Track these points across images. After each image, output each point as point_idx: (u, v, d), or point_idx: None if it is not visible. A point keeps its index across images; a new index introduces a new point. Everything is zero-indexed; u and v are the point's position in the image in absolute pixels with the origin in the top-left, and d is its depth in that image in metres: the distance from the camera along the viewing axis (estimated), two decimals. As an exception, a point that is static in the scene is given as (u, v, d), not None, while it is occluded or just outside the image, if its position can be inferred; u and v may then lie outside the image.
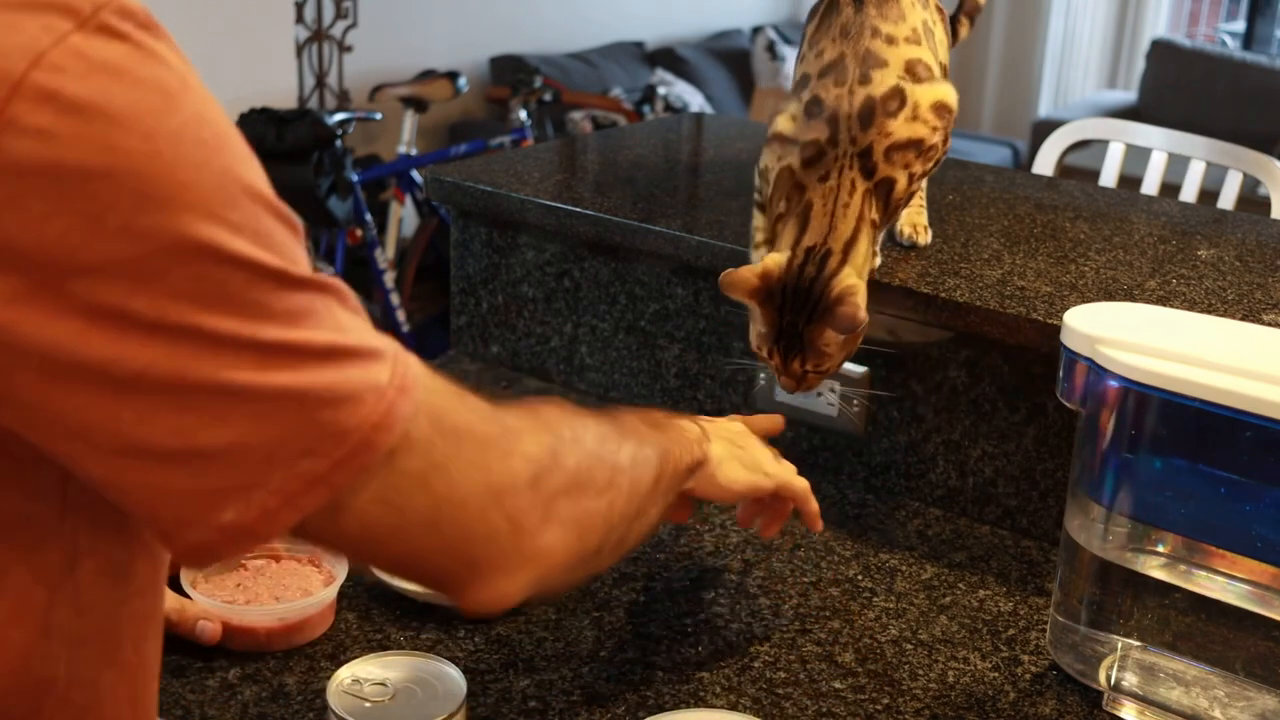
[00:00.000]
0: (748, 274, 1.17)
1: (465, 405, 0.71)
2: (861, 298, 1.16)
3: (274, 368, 0.59)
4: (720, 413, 1.48)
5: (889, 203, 1.21)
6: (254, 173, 0.60)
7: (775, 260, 1.18)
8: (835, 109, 1.20)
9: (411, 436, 0.64)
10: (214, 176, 0.57)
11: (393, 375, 0.63)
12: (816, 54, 1.26)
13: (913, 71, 1.22)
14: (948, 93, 1.23)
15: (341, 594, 1.11)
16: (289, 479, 0.60)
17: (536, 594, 0.74)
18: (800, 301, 1.16)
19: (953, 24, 1.37)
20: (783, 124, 1.25)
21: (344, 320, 0.63)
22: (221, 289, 0.57)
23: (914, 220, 1.41)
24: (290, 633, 1.06)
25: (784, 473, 1.09)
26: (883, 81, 1.20)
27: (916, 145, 1.20)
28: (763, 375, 1.43)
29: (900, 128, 1.19)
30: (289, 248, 0.61)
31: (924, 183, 1.40)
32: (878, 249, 1.34)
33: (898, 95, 1.20)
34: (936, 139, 1.22)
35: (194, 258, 0.56)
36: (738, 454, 1.04)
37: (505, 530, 0.70)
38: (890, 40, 1.22)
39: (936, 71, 1.24)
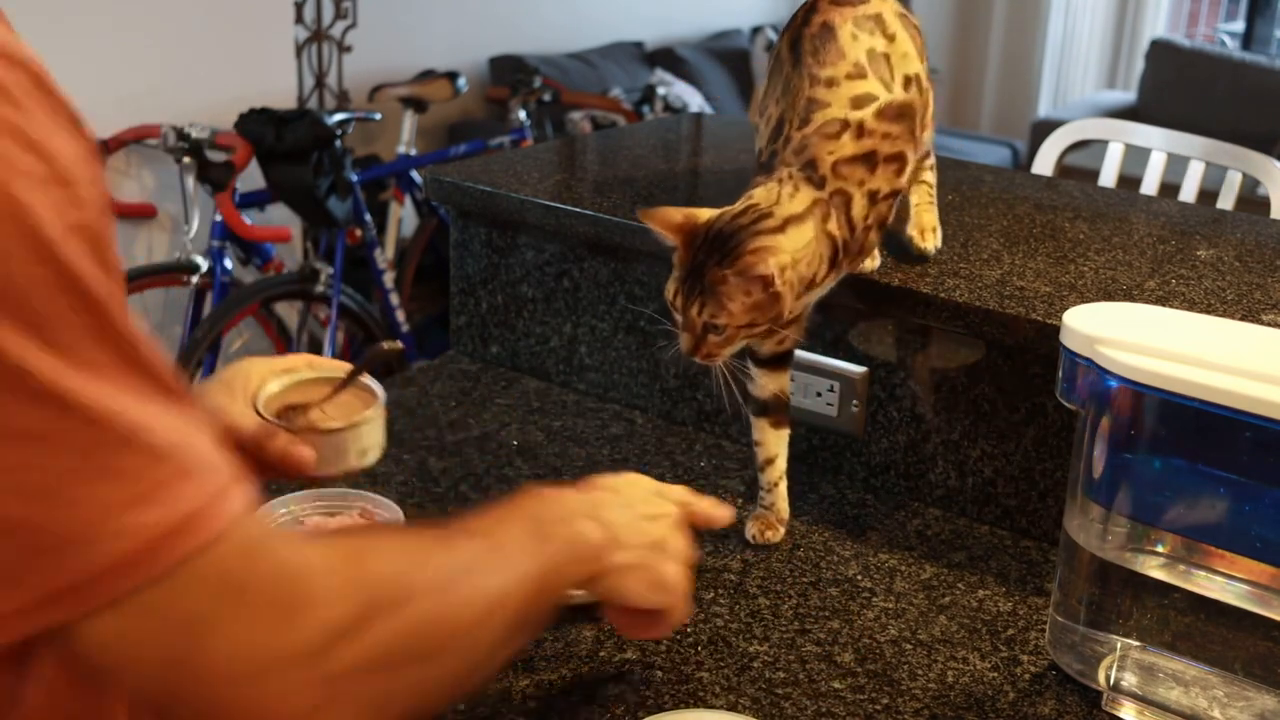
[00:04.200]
0: (673, 210, 1.15)
1: (272, 548, 0.65)
2: (775, 261, 1.09)
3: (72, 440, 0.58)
4: (719, 413, 1.48)
5: (850, 219, 1.17)
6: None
7: (708, 211, 1.15)
8: (777, 156, 1.20)
9: (194, 571, 0.60)
10: None
11: (198, 497, 0.60)
12: (766, 120, 1.25)
13: (858, 105, 1.19)
14: (898, 98, 1.20)
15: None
16: (41, 581, 0.58)
17: None
18: (717, 243, 1.12)
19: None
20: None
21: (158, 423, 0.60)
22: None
23: (921, 223, 1.37)
24: None
25: (682, 590, 0.95)
26: (822, 117, 1.19)
27: (867, 158, 1.17)
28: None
29: (844, 146, 1.17)
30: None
31: (932, 187, 1.40)
32: (876, 250, 1.34)
33: (838, 122, 1.18)
34: (898, 148, 1.19)
35: None
36: (648, 567, 0.92)
37: (269, 711, 0.63)
38: (830, 83, 1.20)
39: (886, 96, 1.21)
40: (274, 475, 1.02)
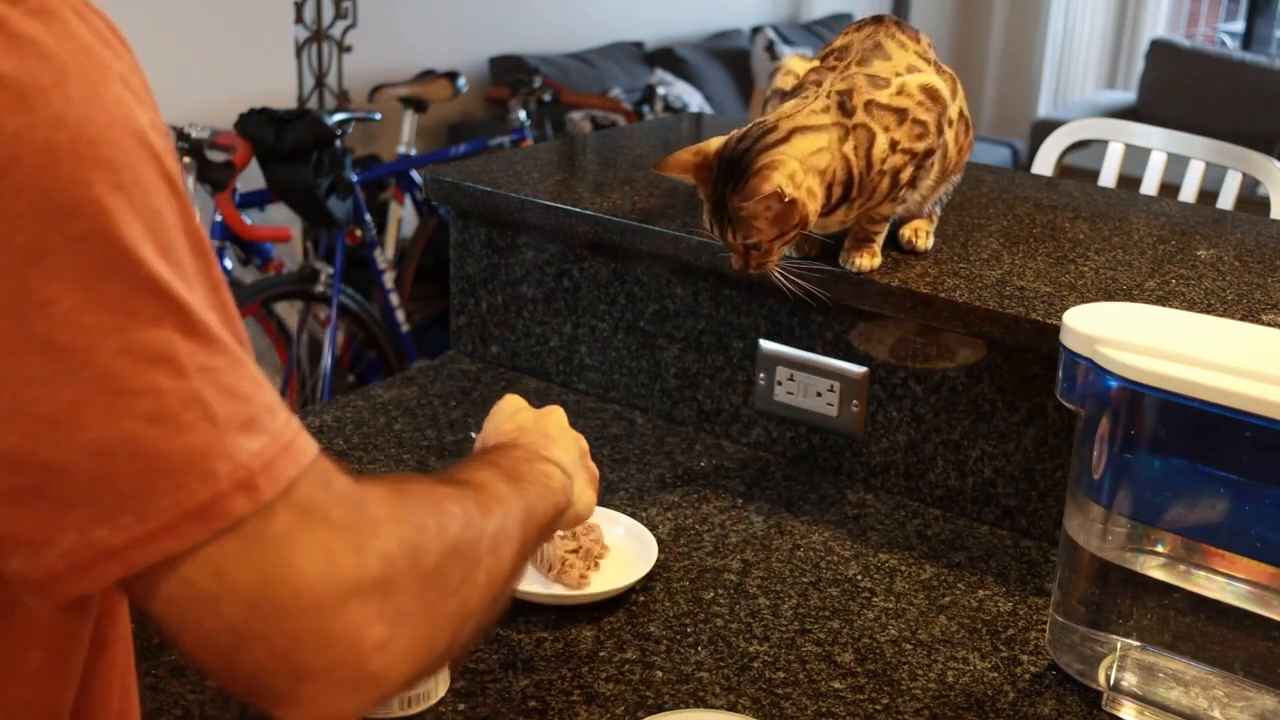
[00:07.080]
0: (684, 153, 1.22)
1: (339, 477, 0.64)
2: (781, 174, 1.16)
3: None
4: (719, 413, 1.48)
5: (869, 156, 1.24)
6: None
7: (716, 140, 1.22)
8: (826, 75, 1.28)
9: (288, 498, 0.59)
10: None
11: (290, 425, 0.61)
12: (828, 45, 1.35)
13: (911, 74, 1.28)
14: (938, 82, 1.29)
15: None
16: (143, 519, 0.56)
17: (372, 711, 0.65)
18: (729, 171, 1.19)
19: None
20: (782, 80, 1.35)
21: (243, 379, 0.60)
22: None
23: (916, 226, 1.40)
24: None
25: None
26: (878, 69, 1.27)
27: (899, 113, 1.25)
28: (762, 375, 1.44)
29: (883, 96, 1.25)
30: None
31: (938, 202, 1.41)
32: (878, 248, 1.34)
33: (887, 78, 1.27)
34: (925, 116, 1.27)
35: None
36: (589, 478, 1.02)
37: (343, 640, 0.60)
38: (902, 45, 1.31)
39: (942, 90, 1.30)
40: None
